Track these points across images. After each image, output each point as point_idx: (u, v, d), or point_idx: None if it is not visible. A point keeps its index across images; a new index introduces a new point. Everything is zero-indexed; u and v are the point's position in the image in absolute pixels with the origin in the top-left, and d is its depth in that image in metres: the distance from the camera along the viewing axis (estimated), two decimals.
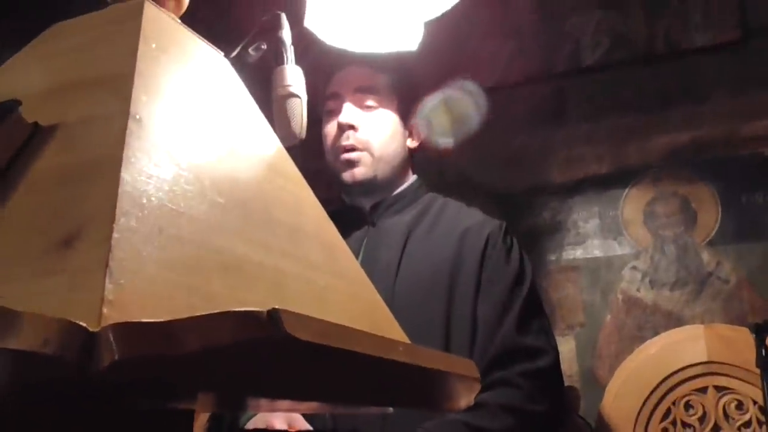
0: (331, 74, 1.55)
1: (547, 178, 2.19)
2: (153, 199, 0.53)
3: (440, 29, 1.50)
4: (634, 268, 2.10)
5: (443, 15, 1.30)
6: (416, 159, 1.58)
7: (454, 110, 2.26)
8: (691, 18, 2.14)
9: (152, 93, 0.62)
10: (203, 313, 0.41)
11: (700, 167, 2.08)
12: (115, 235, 0.46)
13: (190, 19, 0.84)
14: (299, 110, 1.11)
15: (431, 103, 1.63)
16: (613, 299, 2.09)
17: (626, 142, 2.17)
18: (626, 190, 2.15)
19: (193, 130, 0.66)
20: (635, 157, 2.15)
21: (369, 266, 1.15)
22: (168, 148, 0.59)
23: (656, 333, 1.98)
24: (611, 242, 2.14)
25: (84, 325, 0.37)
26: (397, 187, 1.52)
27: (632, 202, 2.15)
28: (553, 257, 2.15)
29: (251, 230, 0.63)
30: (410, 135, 1.56)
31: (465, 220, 1.44)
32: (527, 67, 2.28)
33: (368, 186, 1.47)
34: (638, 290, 2.08)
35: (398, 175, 1.52)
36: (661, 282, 2.07)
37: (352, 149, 1.45)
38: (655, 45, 2.18)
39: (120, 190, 0.49)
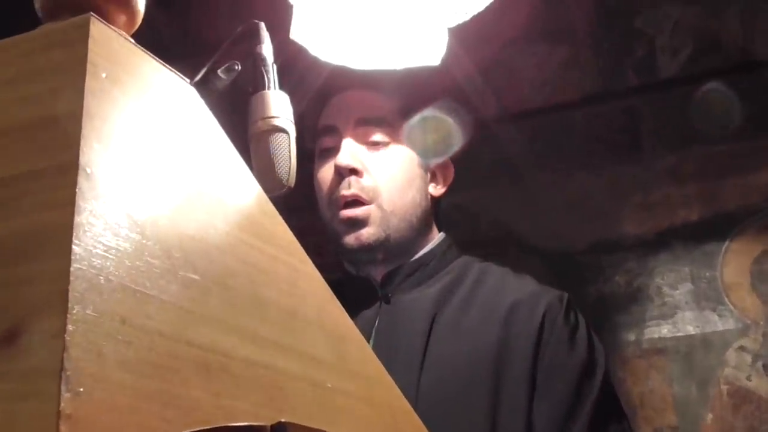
0: (324, 101, 1.58)
1: (619, 229, 2.22)
2: (112, 278, 0.55)
3: (468, 36, 1.55)
4: (741, 348, 2.11)
5: (472, 19, 1.34)
6: (442, 210, 1.60)
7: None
8: None
9: (105, 138, 0.65)
10: None
11: None
12: (69, 327, 0.48)
13: (140, 35, 0.88)
14: (287, 150, 1.14)
15: (454, 134, 1.66)
16: (714, 392, 2.09)
17: (723, 178, 2.20)
18: (726, 244, 2.18)
19: (156, 184, 0.68)
20: (735, 198, 2.18)
21: (384, 357, 1.17)
22: (128, 210, 0.62)
23: None
24: (709, 314, 2.15)
25: None
26: (418, 249, 1.54)
27: (735, 260, 2.16)
28: (631, 337, 2.16)
29: (237, 317, 0.66)
30: (433, 178, 1.58)
31: (512, 292, 1.46)
32: (585, 81, 2.33)
33: (379, 251, 1.49)
34: (749, 379, 2.08)
35: (419, 233, 1.54)
36: None
37: (356, 201, 1.47)
38: (755, 48, 2.23)
39: (72, 269, 0.52)
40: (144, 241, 0.60)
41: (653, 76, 2.29)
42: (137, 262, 0.58)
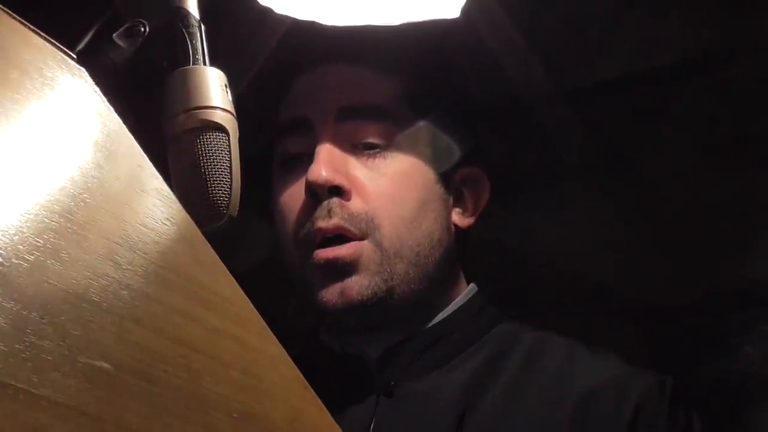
0: (287, 81, 1.58)
1: (753, 271, 2.19)
2: None
3: None
4: None
5: None
6: (473, 248, 1.60)
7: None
8: None
9: None
10: None
11: None
12: None
13: None
14: (226, 159, 1.13)
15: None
16: None
17: None
18: None
19: (37, 222, 0.69)
20: None
21: None
22: None
23: None
24: None
25: None
26: (437, 311, 1.55)
27: None
28: None
29: (167, 425, 0.66)
30: (459, 201, 1.58)
31: (585, 377, 1.46)
32: (702, 32, 2.30)
33: (375, 314, 1.50)
34: None
35: (438, 286, 1.55)
36: None
37: (341, 235, 1.48)
38: None
39: None
40: (25, 313, 0.61)
41: None
42: (17, 346, 0.58)
